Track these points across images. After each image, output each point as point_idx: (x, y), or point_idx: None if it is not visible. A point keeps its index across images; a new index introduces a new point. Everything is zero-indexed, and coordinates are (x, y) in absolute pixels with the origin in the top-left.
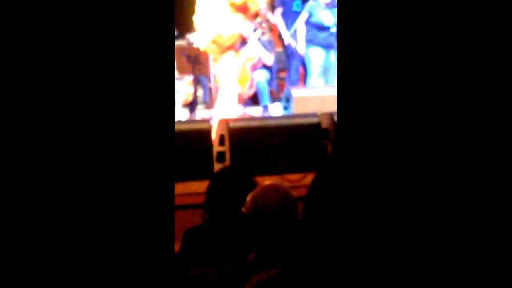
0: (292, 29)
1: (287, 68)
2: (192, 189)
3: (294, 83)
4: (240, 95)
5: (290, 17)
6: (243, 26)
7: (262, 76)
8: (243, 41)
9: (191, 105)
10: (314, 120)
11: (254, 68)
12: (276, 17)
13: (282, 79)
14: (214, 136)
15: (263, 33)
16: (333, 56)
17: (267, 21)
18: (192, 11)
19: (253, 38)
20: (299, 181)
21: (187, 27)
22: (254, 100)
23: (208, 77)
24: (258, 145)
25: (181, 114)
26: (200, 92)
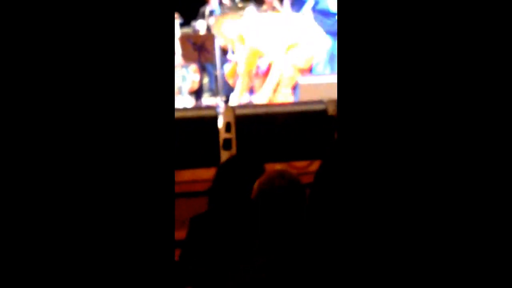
0: None
1: None
2: (198, 176)
3: None
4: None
5: (296, 4)
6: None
7: None
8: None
9: (197, 93)
10: (321, 107)
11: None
12: (284, 4)
13: None
14: (220, 123)
15: None
16: None
17: (273, 8)
18: None
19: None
20: (306, 168)
21: (192, 15)
22: None
23: (214, 65)
24: (264, 132)
25: (187, 101)
26: (206, 80)
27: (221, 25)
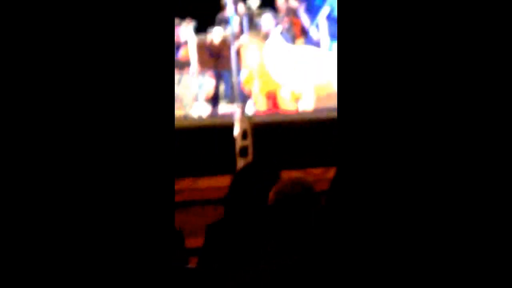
0: (314, 24)
1: None
2: (214, 183)
3: None
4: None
5: (312, 11)
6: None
7: None
8: (265, 36)
9: (214, 100)
10: (336, 114)
11: None
12: (301, 14)
13: None
14: (236, 130)
15: (284, 28)
16: None
17: (289, 15)
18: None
19: (275, 33)
20: (322, 175)
21: (208, 21)
22: None
23: (230, 72)
24: (280, 139)
25: (203, 109)
26: (222, 87)
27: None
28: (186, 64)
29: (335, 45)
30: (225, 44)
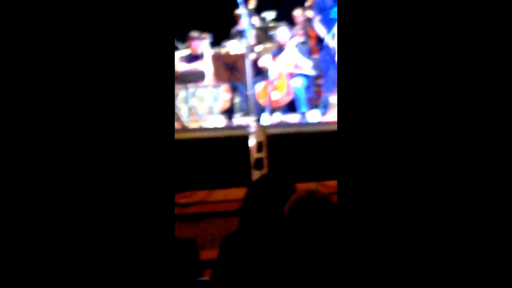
0: (330, 34)
1: (323, 74)
2: (230, 196)
3: (331, 90)
4: (277, 102)
5: (328, 24)
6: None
7: (300, 83)
8: (281, 48)
9: (229, 112)
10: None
11: (291, 75)
12: (316, 24)
13: (319, 85)
14: (252, 143)
15: (300, 40)
16: None
17: (305, 28)
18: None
19: (290, 45)
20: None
21: (224, 34)
22: (291, 107)
23: (245, 84)
24: (296, 151)
25: (218, 121)
26: (237, 99)
27: None
28: (201, 77)
29: None
30: (240, 57)
